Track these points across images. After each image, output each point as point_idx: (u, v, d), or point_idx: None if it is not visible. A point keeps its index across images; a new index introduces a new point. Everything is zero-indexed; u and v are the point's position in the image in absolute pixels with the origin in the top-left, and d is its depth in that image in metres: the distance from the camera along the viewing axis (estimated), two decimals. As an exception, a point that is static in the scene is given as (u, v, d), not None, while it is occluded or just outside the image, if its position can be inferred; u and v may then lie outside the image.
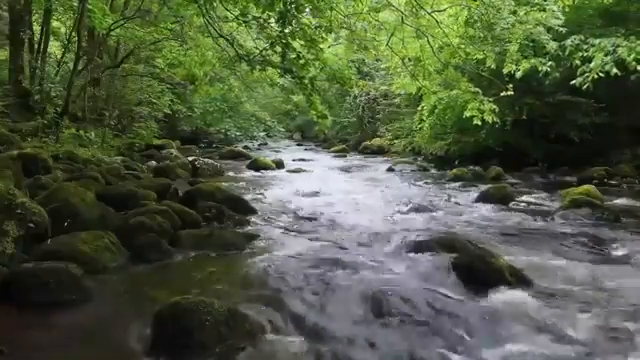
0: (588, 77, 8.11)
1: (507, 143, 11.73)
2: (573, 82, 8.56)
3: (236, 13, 7.41)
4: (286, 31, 6.46)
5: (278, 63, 6.95)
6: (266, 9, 6.45)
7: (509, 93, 8.53)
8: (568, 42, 8.67)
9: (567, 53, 8.63)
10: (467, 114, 8.84)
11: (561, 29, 8.26)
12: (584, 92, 8.77)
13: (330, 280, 3.56)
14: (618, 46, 8.05)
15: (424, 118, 13.40)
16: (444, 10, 8.20)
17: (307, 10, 6.68)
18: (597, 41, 8.34)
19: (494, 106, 8.46)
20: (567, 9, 8.07)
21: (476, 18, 8.31)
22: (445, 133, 13.51)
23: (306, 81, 6.87)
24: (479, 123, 8.71)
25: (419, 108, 13.45)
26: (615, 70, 7.85)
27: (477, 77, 9.77)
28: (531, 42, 8.68)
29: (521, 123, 11.35)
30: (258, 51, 7.34)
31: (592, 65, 8.08)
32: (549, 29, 8.36)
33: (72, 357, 2.47)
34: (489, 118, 8.44)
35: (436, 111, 12.76)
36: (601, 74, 8.00)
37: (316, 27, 6.75)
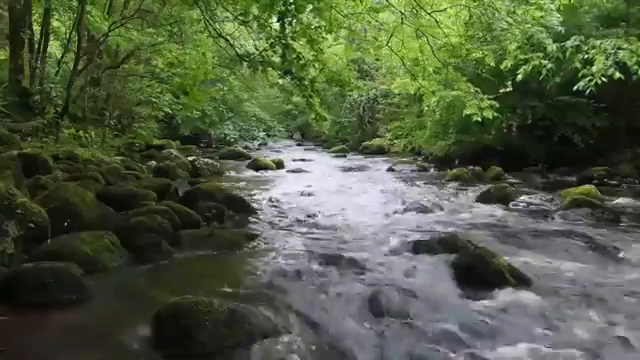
0: (591, 81, 8.09)
1: (509, 144, 11.73)
2: (576, 87, 8.56)
3: (236, 14, 7.41)
4: (286, 31, 6.45)
5: (278, 64, 6.94)
6: (266, 9, 6.44)
7: (508, 89, 8.52)
8: (568, 43, 8.66)
9: (567, 55, 8.62)
10: (467, 112, 8.83)
11: (560, 29, 8.25)
12: (584, 93, 8.78)
13: (330, 280, 3.56)
14: (619, 48, 8.03)
15: (430, 119, 13.39)
16: (444, 10, 8.18)
17: (307, 10, 6.67)
18: (598, 42, 8.32)
19: (494, 102, 8.45)
20: (566, 9, 8.05)
21: (475, 19, 8.30)
22: (446, 132, 13.48)
23: (306, 82, 6.86)
24: (479, 119, 8.69)
25: (422, 109, 13.47)
26: (618, 75, 7.84)
27: (476, 78, 9.78)
28: (531, 45, 8.66)
29: (523, 125, 11.37)
30: (258, 52, 7.33)
31: (594, 69, 8.06)
32: (548, 29, 8.35)
33: (72, 357, 2.47)
34: (489, 114, 8.43)
35: (437, 111, 12.73)
36: (604, 79, 7.97)
37: (316, 27, 6.74)
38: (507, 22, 7.81)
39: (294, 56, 6.62)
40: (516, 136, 11.59)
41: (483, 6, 7.71)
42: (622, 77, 7.88)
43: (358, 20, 8.32)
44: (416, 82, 9.10)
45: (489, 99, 8.46)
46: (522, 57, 8.30)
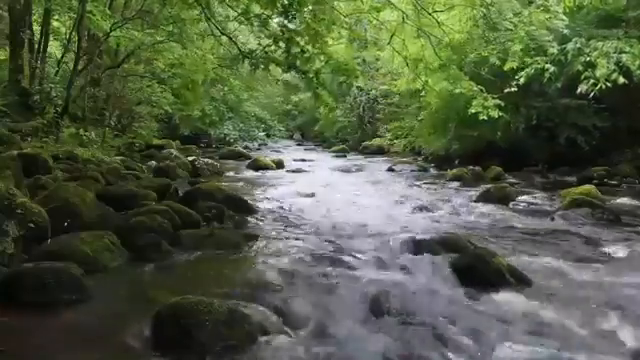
0: (596, 86, 8.09)
1: (513, 143, 11.69)
2: (579, 91, 8.54)
3: (238, 11, 7.42)
4: (290, 26, 6.45)
5: (282, 59, 6.93)
6: (267, 6, 6.45)
7: (513, 89, 8.52)
8: (570, 45, 8.64)
9: (569, 57, 8.60)
10: (472, 110, 8.80)
11: (565, 31, 8.24)
12: (586, 95, 8.77)
13: (330, 280, 3.56)
14: (622, 51, 8.01)
15: (429, 108, 13.23)
16: (445, 10, 8.18)
17: (309, 6, 6.67)
18: (600, 44, 8.31)
19: (499, 101, 8.44)
20: (568, 10, 8.04)
21: (478, 19, 8.30)
22: (445, 126, 13.26)
23: (311, 75, 6.85)
24: (485, 117, 8.66)
25: (421, 105, 13.33)
26: (622, 79, 7.83)
27: (476, 77, 9.77)
28: (531, 49, 8.63)
29: (527, 125, 11.36)
30: (261, 47, 7.30)
31: (598, 74, 8.05)
32: (552, 31, 8.33)
33: (72, 357, 2.47)
34: (494, 113, 8.42)
35: (435, 102, 12.54)
36: (608, 84, 7.96)
37: (320, 20, 6.71)
38: (512, 22, 7.80)
39: (298, 50, 6.61)
40: (520, 135, 11.55)
41: (485, 6, 7.71)
42: (626, 82, 7.87)
43: (359, 19, 8.33)
44: (419, 80, 9.09)
45: (493, 98, 8.46)
46: (526, 60, 8.28)
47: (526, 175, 10.92)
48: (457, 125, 12.51)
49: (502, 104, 8.53)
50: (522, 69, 8.68)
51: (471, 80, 8.92)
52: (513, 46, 8.32)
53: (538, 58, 8.36)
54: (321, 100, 7.20)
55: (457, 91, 9.14)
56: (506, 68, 8.57)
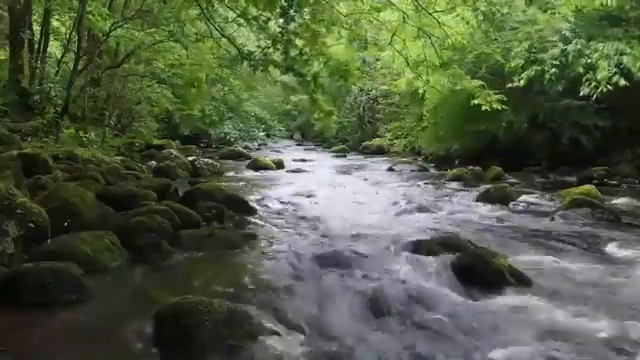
0: (597, 88, 8.11)
1: (515, 141, 11.67)
2: (581, 93, 8.56)
3: (237, 13, 7.42)
4: (289, 27, 6.46)
5: (280, 62, 6.94)
6: (267, 7, 6.45)
7: (516, 85, 8.52)
8: (570, 47, 8.64)
9: (570, 59, 8.61)
10: (475, 102, 8.81)
11: (566, 33, 8.26)
12: (586, 95, 8.77)
13: (330, 280, 3.56)
14: (622, 53, 8.02)
15: (425, 113, 13.19)
16: (445, 10, 8.17)
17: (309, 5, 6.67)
18: (600, 45, 8.32)
19: (501, 96, 8.45)
20: (571, 12, 8.05)
21: (480, 20, 8.31)
22: (448, 121, 13.17)
23: (309, 78, 6.86)
24: (488, 109, 8.68)
25: (423, 102, 13.29)
26: (624, 82, 7.84)
27: (478, 76, 9.76)
28: (534, 51, 8.63)
29: (531, 124, 11.36)
30: (260, 49, 7.30)
31: (599, 77, 8.07)
32: (555, 31, 8.36)
33: (72, 357, 2.47)
34: (498, 106, 8.44)
35: (434, 99, 12.49)
36: (609, 86, 7.98)
37: (319, 20, 6.71)
38: (518, 22, 7.82)
39: (296, 52, 6.62)
40: (522, 133, 11.52)
41: (487, 6, 7.71)
42: (627, 84, 7.88)
43: (359, 19, 8.32)
44: (420, 79, 9.09)
45: (495, 93, 8.49)
46: (531, 56, 8.30)
47: (526, 175, 10.92)
48: (459, 120, 12.42)
49: (505, 99, 8.56)
50: (524, 69, 8.70)
51: (472, 79, 8.93)
52: (517, 46, 8.35)
53: (542, 54, 8.37)
54: (318, 105, 7.19)
55: (458, 87, 9.15)
56: (509, 67, 8.59)
